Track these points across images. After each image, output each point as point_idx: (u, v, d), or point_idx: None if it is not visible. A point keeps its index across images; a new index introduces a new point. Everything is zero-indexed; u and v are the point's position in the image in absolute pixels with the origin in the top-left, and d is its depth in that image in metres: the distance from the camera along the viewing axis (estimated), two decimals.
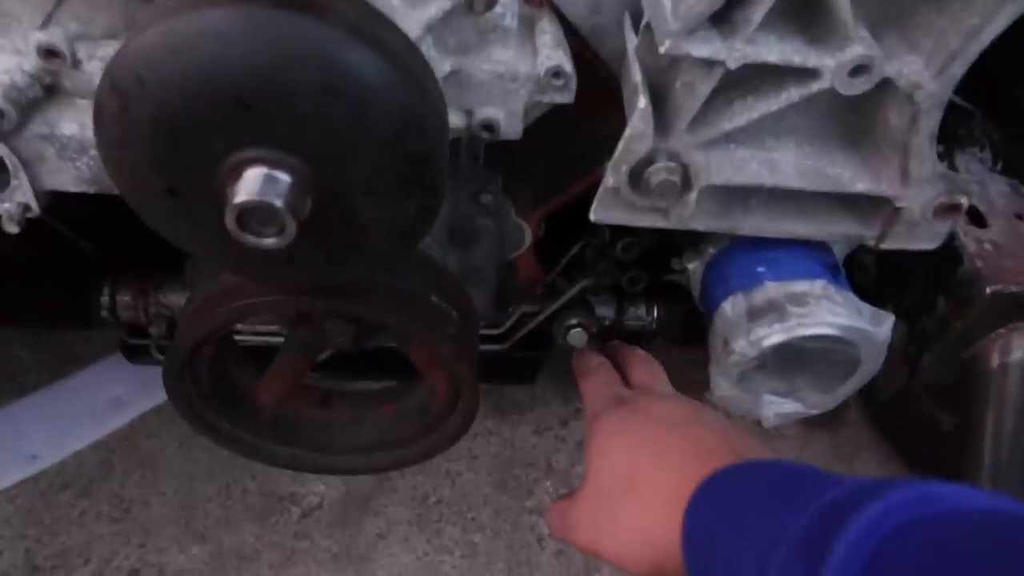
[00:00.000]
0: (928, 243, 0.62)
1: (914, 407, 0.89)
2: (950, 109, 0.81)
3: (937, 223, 0.60)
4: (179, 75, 0.41)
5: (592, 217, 0.63)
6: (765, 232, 0.62)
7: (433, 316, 0.63)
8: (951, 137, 0.79)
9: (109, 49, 0.56)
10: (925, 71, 0.52)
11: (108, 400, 1.34)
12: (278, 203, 0.43)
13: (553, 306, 0.99)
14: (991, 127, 0.79)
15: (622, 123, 0.62)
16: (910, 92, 0.53)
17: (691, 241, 0.76)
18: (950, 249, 0.68)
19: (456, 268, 0.80)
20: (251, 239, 0.44)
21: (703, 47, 0.51)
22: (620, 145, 0.56)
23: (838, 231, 0.62)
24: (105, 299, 0.98)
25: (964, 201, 0.58)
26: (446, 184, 0.69)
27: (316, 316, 0.69)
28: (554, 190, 0.81)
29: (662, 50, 0.51)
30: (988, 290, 0.65)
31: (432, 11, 0.53)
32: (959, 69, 0.51)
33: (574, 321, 1.01)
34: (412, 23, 0.53)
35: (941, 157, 0.78)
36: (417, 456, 0.77)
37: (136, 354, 1.04)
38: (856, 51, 0.51)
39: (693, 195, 0.58)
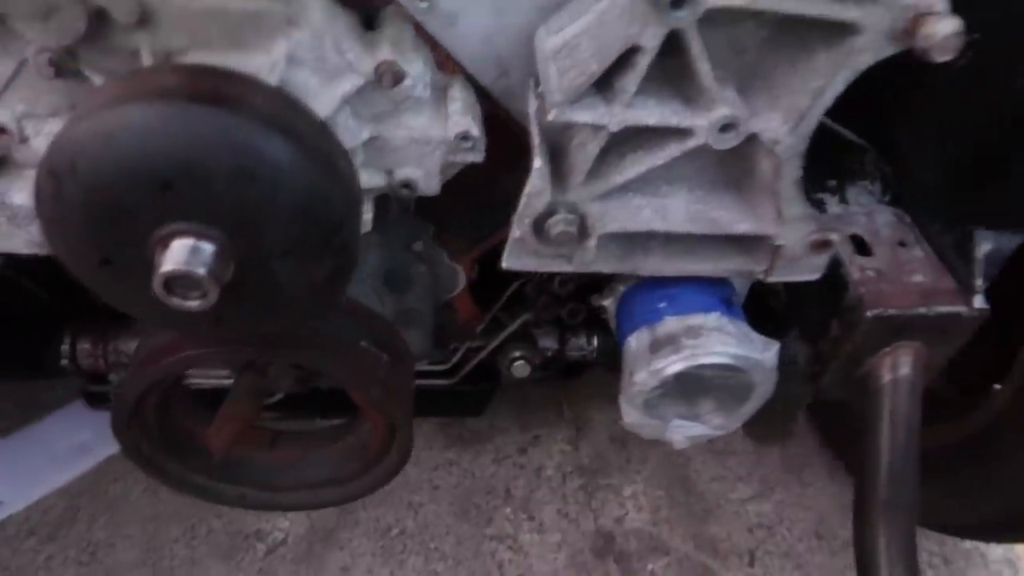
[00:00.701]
0: (809, 275, 0.68)
1: (850, 417, 0.95)
2: (845, 146, 0.89)
3: (814, 257, 0.66)
4: (107, 162, 0.46)
5: (504, 265, 0.68)
6: (664, 272, 0.68)
7: (363, 361, 0.68)
8: (844, 171, 0.87)
9: (54, 126, 0.61)
10: (783, 127, 0.59)
11: (73, 445, 1.37)
12: (201, 271, 0.48)
13: (496, 340, 1.04)
14: (882, 161, 0.87)
15: None
16: (771, 146, 0.59)
17: (609, 278, 0.82)
18: (837, 277, 0.75)
19: (393, 312, 0.86)
20: (177, 303, 0.49)
21: (586, 114, 0.58)
22: (522, 200, 0.63)
23: (730, 267, 0.69)
24: (66, 348, 1.01)
25: (834, 237, 0.64)
26: (372, 243, 0.75)
27: (259, 362, 0.73)
28: (483, 235, 0.87)
29: (550, 118, 0.58)
30: (869, 314, 0.71)
31: (346, 87, 0.59)
32: (810, 125, 0.58)
33: (517, 354, 1.07)
34: (328, 99, 0.59)
35: (834, 190, 0.85)
36: (359, 492, 0.81)
37: (97, 400, 1.08)
38: (722, 112, 0.58)
39: (592, 242, 0.64)
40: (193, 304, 0.49)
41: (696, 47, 0.54)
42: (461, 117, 0.65)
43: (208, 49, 0.55)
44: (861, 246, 0.78)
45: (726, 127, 0.58)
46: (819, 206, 0.82)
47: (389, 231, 0.79)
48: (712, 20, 0.54)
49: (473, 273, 0.91)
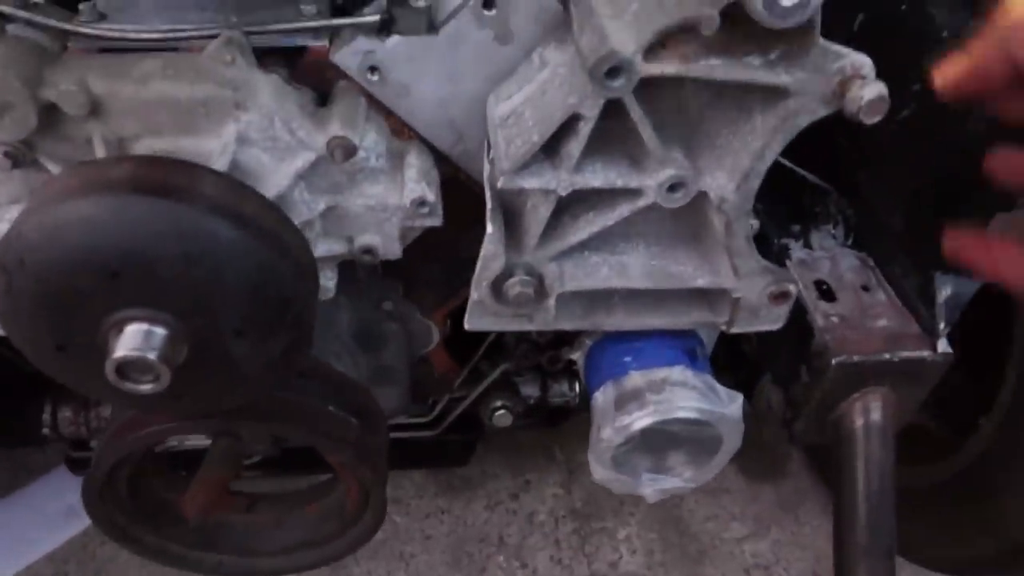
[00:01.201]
0: (771, 324, 0.68)
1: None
2: (809, 189, 0.90)
3: (774, 308, 0.67)
4: (54, 255, 0.47)
5: (466, 326, 0.69)
6: (626, 327, 0.69)
7: (332, 425, 0.68)
8: (808, 215, 0.87)
9: (14, 212, 0.62)
10: (728, 184, 0.60)
11: (61, 509, 1.36)
12: (152, 356, 0.49)
13: (477, 390, 1.04)
14: (845, 204, 0.88)
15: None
16: (719, 203, 0.60)
17: (577, 332, 0.83)
18: (803, 323, 0.75)
19: (367, 370, 0.86)
20: (130, 387, 0.50)
21: (534, 180, 0.59)
22: (479, 264, 0.63)
23: (692, 320, 0.69)
24: (47, 416, 1.02)
25: (791, 288, 0.65)
26: (337, 308, 0.76)
27: (230, 429, 0.74)
28: (454, 291, 0.88)
29: (499, 185, 0.59)
30: (834, 361, 0.71)
31: (299, 164, 0.61)
32: (753, 184, 0.59)
33: (499, 403, 1.07)
34: (280, 176, 0.61)
35: (798, 236, 0.86)
36: (337, 553, 0.81)
37: (80, 466, 1.08)
38: (668, 173, 0.59)
39: (551, 301, 0.65)
40: (146, 388, 0.50)
41: (636, 113, 0.55)
42: (416, 184, 0.66)
43: (159, 136, 0.57)
44: (825, 292, 0.78)
45: (674, 187, 0.59)
46: (784, 251, 0.83)
47: (357, 292, 0.80)
48: (652, 84, 0.55)
49: (446, 328, 0.91)
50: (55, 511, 1.36)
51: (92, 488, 0.68)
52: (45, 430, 1.02)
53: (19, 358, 0.98)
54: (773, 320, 0.68)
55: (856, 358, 0.72)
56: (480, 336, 1.01)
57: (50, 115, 0.55)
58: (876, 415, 0.75)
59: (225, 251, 0.49)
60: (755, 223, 0.82)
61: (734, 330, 0.69)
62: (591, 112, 0.55)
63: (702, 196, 0.61)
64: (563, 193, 0.59)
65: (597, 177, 0.59)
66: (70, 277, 0.48)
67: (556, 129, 0.56)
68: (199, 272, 0.49)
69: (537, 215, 0.62)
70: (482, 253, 0.63)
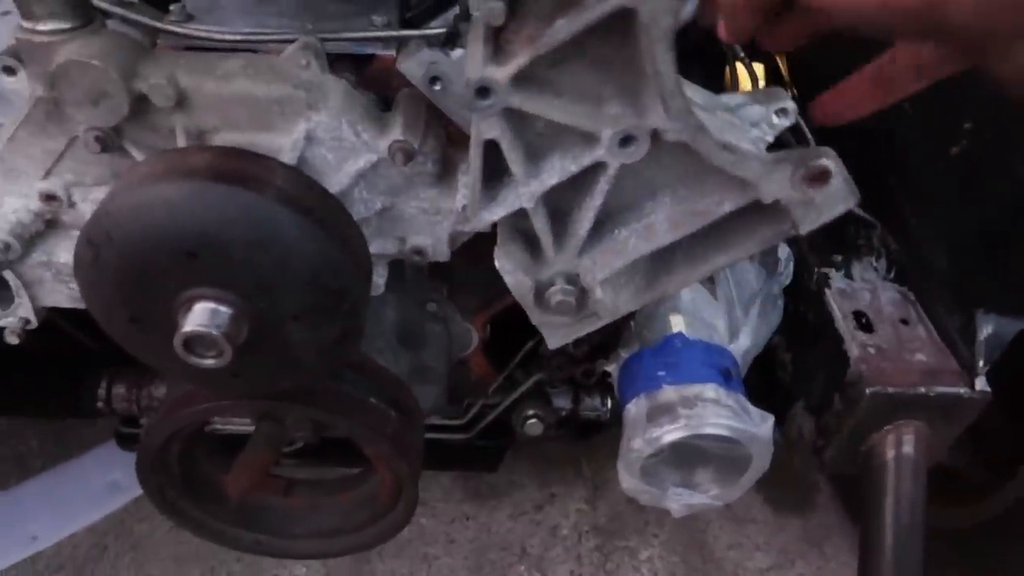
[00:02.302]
0: (842, 204, 0.60)
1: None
2: (852, 220, 0.91)
3: (823, 189, 0.58)
4: (139, 233, 0.51)
5: (550, 347, 0.69)
6: (692, 279, 0.65)
7: (373, 417, 0.71)
8: (850, 247, 0.88)
9: (98, 193, 0.67)
10: (663, 113, 0.54)
11: (106, 484, 1.42)
12: (216, 332, 0.52)
13: (510, 398, 1.07)
14: (888, 238, 0.88)
15: None
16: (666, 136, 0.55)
17: (615, 345, 0.85)
18: (839, 352, 0.76)
19: (407, 368, 0.89)
20: (195, 360, 0.54)
21: (501, 208, 0.59)
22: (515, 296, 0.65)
23: (757, 242, 0.63)
24: (102, 391, 1.07)
25: (825, 162, 0.57)
26: (383, 305, 0.79)
27: (277, 413, 0.77)
28: (495, 297, 0.91)
29: (478, 227, 0.61)
30: (868, 391, 0.72)
31: (361, 164, 0.64)
32: (673, 100, 0.53)
33: (531, 412, 1.09)
34: (343, 175, 0.64)
35: (839, 266, 0.87)
36: (368, 542, 0.83)
37: (129, 442, 1.13)
38: (613, 112, 0.54)
39: (598, 294, 0.65)
40: (209, 362, 0.54)
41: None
42: (469, 190, 0.69)
43: (236, 130, 0.61)
44: (864, 322, 0.79)
45: (625, 140, 0.56)
46: (824, 280, 0.84)
47: (404, 292, 0.83)
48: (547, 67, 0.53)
49: (486, 333, 0.94)
50: (99, 485, 1.42)
51: (146, 458, 0.72)
52: (100, 404, 1.08)
53: (80, 335, 1.04)
54: (837, 201, 0.59)
55: (891, 389, 0.72)
56: (518, 343, 1.03)
57: (139, 105, 0.59)
58: (908, 448, 0.75)
59: (291, 239, 0.53)
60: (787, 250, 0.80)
61: (804, 230, 0.61)
62: (497, 132, 0.55)
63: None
64: (529, 205, 0.59)
65: (554, 173, 0.58)
66: (151, 254, 0.52)
67: (481, 162, 0.57)
68: (266, 257, 0.52)
69: (537, 228, 0.62)
70: (509, 285, 0.65)
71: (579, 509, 1.47)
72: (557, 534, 1.43)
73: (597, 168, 0.57)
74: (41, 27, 0.58)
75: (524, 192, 0.58)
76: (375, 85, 0.71)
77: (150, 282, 0.53)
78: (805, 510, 1.49)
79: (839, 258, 0.86)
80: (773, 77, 1.06)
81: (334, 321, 0.57)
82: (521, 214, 0.61)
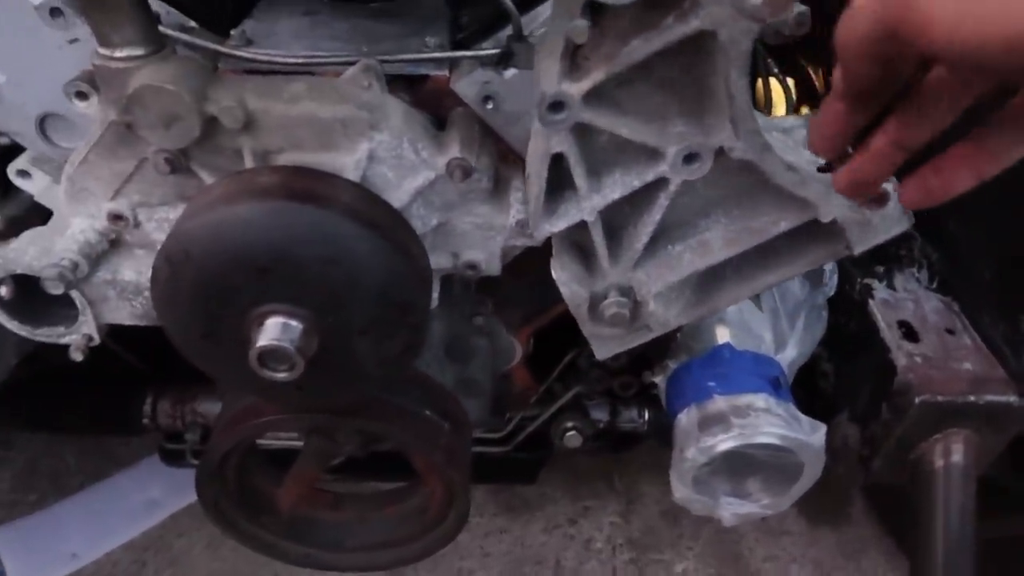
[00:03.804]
0: (897, 227, 0.62)
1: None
2: None
3: (881, 212, 0.60)
4: (216, 250, 0.53)
5: (598, 358, 0.70)
6: (742, 296, 0.66)
7: (427, 428, 0.73)
8: (892, 257, 0.89)
9: (163, 213, 0.69)
10: (732, 133, 0.55)
11: (144, 501, 1.44)
12: (290, 347, 0.54)
13: (549, 411, 1.08)
14: (929, 249, 0.89)
15: None
16: (737, 155, 0.57)
17: (661, 355, 0.85)
18: (885, 361, 0.76)
19: (453, 381, 0.91)
20: (268, 374, 0.55)
21: (562, 221, 0.61)
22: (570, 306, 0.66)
23: (808, 262, 0.65)
24: (147, 408, 1.09)
25: (889, 187, 0.57)
26: (436, 318, 0.81)
27: (328, 427, 0.79)
28: (539, 311, 0.92)
29: (537, 238, 0.62)
30: (918, 400, 0.72)
31: (420, 181, 0.66)
32: (744, 121, 0.55)
33: (569, 424, 1.10)
34: (403, 192, 0.66)
35: (881, 277, 0.88)
36: (416, 555, 0.84)
37: (173, 458, 1.15)
38: (678, 131, 0.56)
39: (651, 307, 0.66)
40: (281, 376, 0.55)
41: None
42: (522, 206, 0.70)
43: (301, 150, 0.63)
44: (909, 332, 0.80)
45: (689, 158, 0.57)
46: (867, 291, 0.85)
47: (452, 306, 0.85)
48: (617, 85, 0.55)
49: (529, 346, 0.95)
50: (137, 502, 1.43)
51: (205, 471, 0.73)
52: (145, 420, 1.10)
53: (128, 353, 1.06)
54: (892, 223, 0.61)
55: (940, 398, 0.73)
56: (557, 356, 1.04)
57: (208, 127, 0.61)
58: (957, 457, 0.75)
59: (361, 255, 0.54)
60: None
61: (858, 250, 0.62)
62: (565, 146, 0.56)
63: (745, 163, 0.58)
64: (590, 219, 0.60)
65: (616, 188, 0.59)
66: (227, 271, 0.54)
67: (548, 174, 0.58)
68: (337, 272, 0.54)
69: (594, 242, 0.63)
70: (564, 296, 0.66)
71: (612, 522, 1.47)
72: (591, 547, 1.43)
73: (658, 184, 0.59)
74: (117, 54, 0.60)
75: (586, 206, 0.59)
76: (429, 105, 0.73)
77: (224, 298, 0.55)
78: (840, 522, 1.48)
79: (881, 269, 0.86)
80: (807, 93, 1.07)
81: (398, 334, 0.59)
82: (578, 227, 0.63)
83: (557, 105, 0.53)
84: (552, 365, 1.05)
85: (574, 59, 0.53)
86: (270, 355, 0.55)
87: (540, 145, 0.57)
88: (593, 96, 0.53)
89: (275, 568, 1.30)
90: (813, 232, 0.63)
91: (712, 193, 0.62)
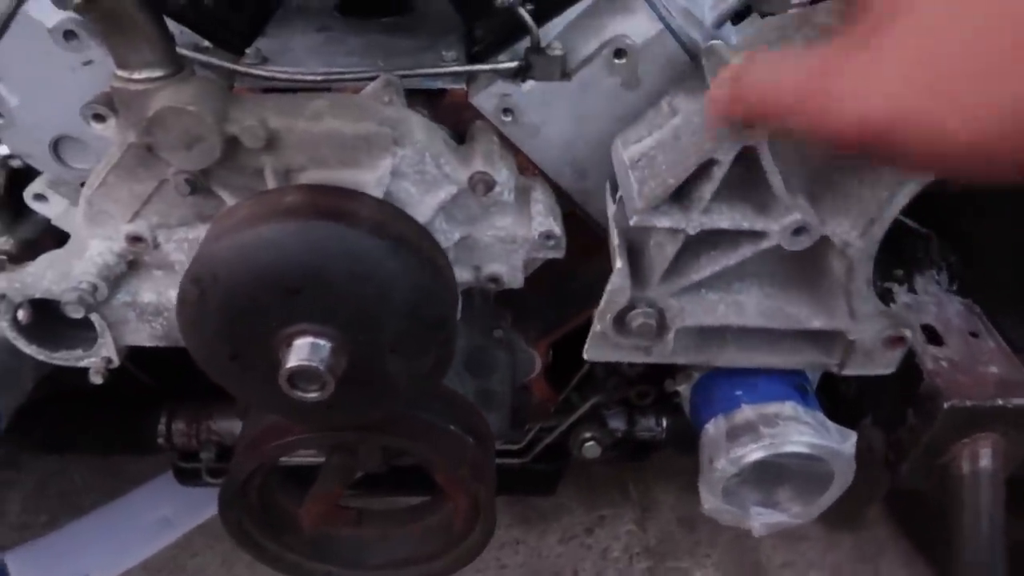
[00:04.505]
0: (884, 368, 0.70)
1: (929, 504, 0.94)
2: (909, 234, 0.92)
3: (888, 352, 0.68)
4: (244, 272, 0.53)
5: (585, 356, 0.72)
6: (738, 363, 0.71)
7: (452, 444, 0.72)
8: (911, 260, 0.89)
9: (182, 233, 0.69)
10: (852, 231, 0.62)
11: (157, 520, 1.43)
12: (320, 367, 0.53)
13: (567, 421, 1.07)
14: (948, 250, 0.89)
15: (610, 267, 0.72)
16: (843, 248, 0.63)
17: (682, 365, 0.85)
18: (911, 366, 0.76)
19: (473, 394, 0.90)
20: (298, 395, 0.55)
21: (665, 219, 0.62)
22: (604, 297, 0.67)
23: (803, 361, 0.71)
24: (162, 427, 1.08)
25: (908, 333, 0.66)
26: (458, 332, 0.80)
27: (351, 443, 0.78)
28: (557, 324, 0.92)
29: (631, 223, 0.62)
30: (946, 405, 0.72)
31: (442, 196, 0.66)
32: (879, 231, 0.61)
33: (588, 434, 1.09)
34: (426, 207, 0.66)
35: (901, 280, 0.87)
36: (440, 571, 0.84)
37: (187, 477, 1.14)
38: (794, 218, 0.61)
39: (670, 336, 0.68)
40: (312, 396, 0.55)
41: (767, 161, 0.59)
42: (544, 218, 0.70)
43: (323, 167, 0.62)
44: (933, 336, 0.79)
45: (798, 231, 0.62)
46: (887, 295, 0.85)
47: (472, 319, 0.84)
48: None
49: (548, 358, 0.95)
50: (151, 521, 1.42)
51: (229, 491, 0.73)
52: (160, 440, 1.09)
53: (142, 373, 1.06)
54: (886, 364, 0.69)
55: (968, 403, 0.72)
56: (574, 366, 1.04)
57: (229, 147, 0.61)
58: (986, 461, 0.75)
59: (391, 272, 0.54)
60: None
61: (846, 372, 0.70)
62: (726, 158, 0.58)
63: (824, 240, 0.64)
64: (692, 232, 0.62)
65: (724, 219, 0.62)
66: (256, 292, 0.53)
67: (691, 173, 0.60)
68: (367, 291, 0.54)
69: (662, 253, 0.65)
70: (609, 287, 0.66)
71: (629, 531, 1.46)
72: (608, 557, 1.42)
73: (756, 236, 0.63)
74: (136, 76, 0.60)
75: (695, 220, 0.62)
76: (447, 119, 0.72)
77: (253, 319, 0.55)
78: (857, 527, 1.47)
79: (900, 272, 0.86)
80: None
81: (429, 351, 0.58)
82: (654, 234, 0.65)
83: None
84: (568, 375, 1.04)
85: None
86: (300, 375, 0.54)
87: (699, 144, 0.59)
88: None
89: None
90: (818, 339, 0.70)
91: (759, 262, 0.67)
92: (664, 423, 1.11)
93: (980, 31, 0.33)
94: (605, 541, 1.44)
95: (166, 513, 1.44)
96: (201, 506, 1.43)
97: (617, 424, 1.10)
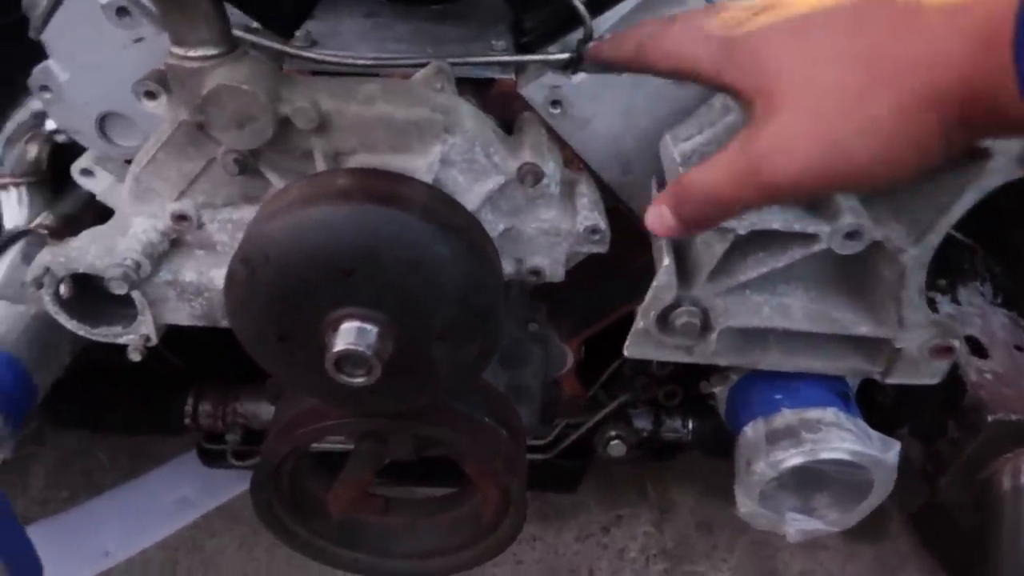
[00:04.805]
0: (929, 379, 0.68)
1: (952, 517, 0.92)
2: (954, 245, 0.90)
3: (934, 362, 0.67)
4: (296, 252, 0.52)
5: (626, 353, 0.71)
6: (781, 367, 0.70)
7: (487, 436, 0.71)
8: (955, 271, 0.87)
9: (226, 214, 0.69)
10: (907, 237, 0.61)
11: (176, 500, 1.44)
12: (368, 352, 0.53)
13: (594, 419, 1.07)
14: (992, 262, 0.87)
15: (649, 263, 0.72)
16: (896, 254, 0.62)
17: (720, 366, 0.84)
18: (954, 377, 0.75)
19: (505, 387, 0.89)
20: (344, 379, 0.54)
21: None
22: (649, 294, 0.66)
23: (846, 367, 0.70)
24: (189, 408, 1.09)
25: (956, 344, 0.65)
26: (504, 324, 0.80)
27: (382, 431, 0.78)
28: (592, 319, 0.91)
29: None
30: (990, 418, 0.71)
31: (490, 186, 0.65)
32: (935, 238, 0.60)
33: (613, 433, 1.08)
34: (473, 196, 0.65)
35: (945, 290, 0.86)
36: (467, 563, 0.83)
37: (212, 458, 1.15)
38: (847, 221, 0.60)
39: (713, 336, 0.67)
40: (358, 380, 0.54)
41: None
42: (590, 212, 0.70)
43: (373, 152, 0.62)
44: (977, 347, 0.78)
45: (851, 234, 0.61)
46: (930, 305, 0.83)
47: (508, 312, 0.83)
48: None
49: (580, 354, 0.94)
50: (171, 501, 1.43)
51: (262, 475, 0.73)
52: (186, 420, 1.09)
53: (171, 354, 1.06)
54: (932, 374, 0.68)
55: (1014, 417, 0.71)
56: (602, 364, 1.03)
57: (281, 128, 0.61)
58: None
59: (442, 259, 0.54)
60: None
61: (889, 381, 0.69)
62: None
63: (876, 246, 0.63)
64: (743, 232, 0.62)
65: (776, 220, 0.62)
66: (307, 273, 0.53)
67: None
68: (418, 277, 0.53)
69: (710, 252, 0.64)
70: (655, 283, 0.66)
71: (646, 532, 1.45)
72: (624, 557, 1.41)
73: (807, 238, 0.62)
74: (192, 53, 0.59)
75: (745, 219, 0.61)
76: (495, 108, 0.72)
77: (302, 301, 0.54)
78: (877, 537, 1.46)
79: (944, 282, 0.85)
80: None
81: (474, 341, 0.58)
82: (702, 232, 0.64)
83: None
84: (597, 372, 1.04)
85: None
86: (348, 360, 0.54)
87: None
88: None
89: (308, 570, 1.30)
90: (863, 345, 0.69)
91: (805, 265, 0.66)
92: (691, 424, 1.11)
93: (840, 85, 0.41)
94: (622, 541, 1.43)
95: (186, 493, 1.44)
96: (221, 487, 1.44)
97: (643, 423, 1.10)
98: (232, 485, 1.43)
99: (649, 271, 0.70)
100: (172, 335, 0.78)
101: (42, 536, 1.31)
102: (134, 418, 1.15)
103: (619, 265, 0.82)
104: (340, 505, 0.83)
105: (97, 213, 0.89)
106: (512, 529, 0.78)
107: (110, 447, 1.52)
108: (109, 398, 1.12)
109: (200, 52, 0.60)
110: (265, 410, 1.05)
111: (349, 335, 0.54)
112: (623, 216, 0.78)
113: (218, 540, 1.39)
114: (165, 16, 0.58)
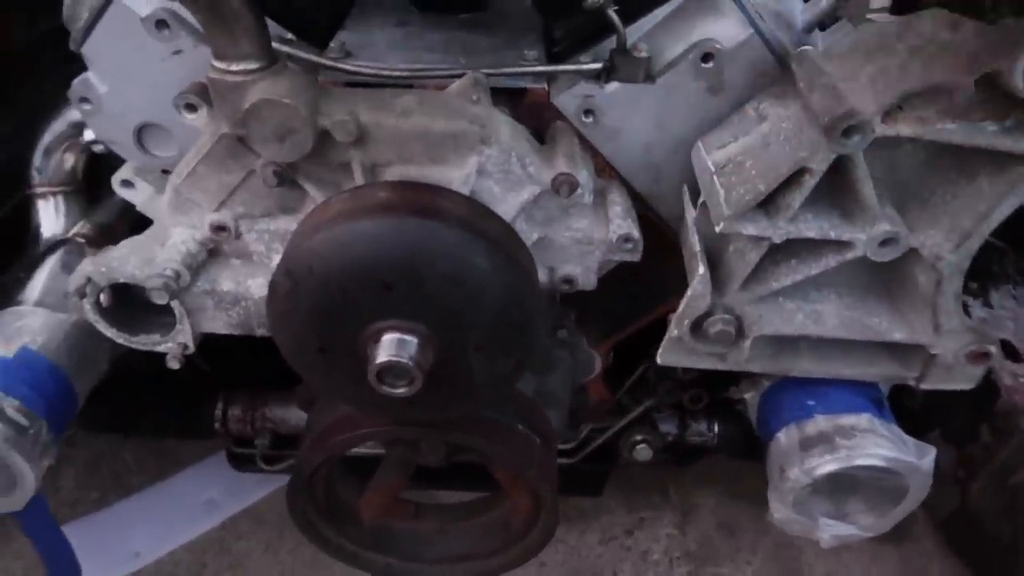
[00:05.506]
0: (964, 384, 0.68)
1: (983, 523, 0.92)
2: (985, 247, 0.90)
3: (969, 367, 0.67)
4: (339, 265, 0.53)
5: (659, 361, 0.71)
6: (813, 373, 0.70)
7: (522, 444, 0.72)
8: (986, 274, 0.87)
9: (264, 224, 0.70)
10: (945, 243, 0.61)
11: (204, 502, 1.45)
12: (409, 363, 0.54)
13: (620, 423, 1.07)
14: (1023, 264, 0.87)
15: (678, 270, 0.72)
16: (933, 261, 0.62)
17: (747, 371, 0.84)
18: (987, 381, 0.74)
19: (534, 392, 0.90)
20: (387, 390, 0.55)
21: (751, 226, 0.62)
22: (683, 302, 0.66)
23: (880, 372, 0.70)
24: (219, 412, 1.10)
25: (992, 349, 0.65)
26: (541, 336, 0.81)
27: (415, 438, 0.79)
28: (620, 325, 0.91)
29: (718, 230, 0.62)
30: None
31: (525, 196, 0.66)
32: (974, 244, 0.60)
33: (639, 437, 1.09)
34: (509, 206, 0.66)
35: (976, 294, 0.85)
36: (497, 568, 0.84)
37: (241, 462, 1.16)
38: (883, 228, 0.61)
39: (747, 343, 0.67)
40: (400, 391, 0.55)
41: (862, 170, 0.58)
42: (623, 221, 0.70)
43: (409, 164, 0.63)
44: (1011, 351, 0.78)
45: (887, 242, 0.61)
46: (964, 309, 0.83)
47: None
48: (874, 143, 0.57)
49: (608, 360, 0.95)
50: (199, 503, 1.44)
51: (297, 480, 0.74)
52: (216, 425, 1.10)
53: (202, 361, 1.07)
54: (967, 379, 0.68)
55: None
56: (628, 369, 1.04)
57: (320, 141, 0.61)
58: None
59: (483, 272, 0.54)
60: None
61: (924, 386, 0.69)
62: (820, 166, 0.57)
63: (912, 253, 0.63)
64: (778, 241, 0.62)
65: (811, 228, 0.62)
66: (350, 285, 0.54)
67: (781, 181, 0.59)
68: (460, 290, 0.54)
69: (744, 259, 0.64)
70: (689, 292, 0.66)
71: (669, 534, 1.45)
72: (648, 559, 1.42)
73: (842, 247, 0.62)
74: (233, 67, 0.60)
75: (781, 228, 0.62)
76: (527, 118, 0.72)
77: (344, 313, 0.55)
78: (901, 539, 1.45)
79: (975, 285, 0.84)
80: None
81: (512, 352, 0.59)
82: (735, 240, 0.65)
83: (854, 130, 0.55)
84: (622, 377, 1.04)
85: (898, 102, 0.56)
86: (390, 371, 0.55)
87: (791, 152, 0.59)
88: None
89: (334, 572, 1.31)
90: (896, 351, 0.69)
91: (838, 272, 0.66)
92: (716, 428, 1.11)
93: None
94: (645, 543, 1.44)
95: (213, 495, 1.46)
96: (246, 490, 1.45)
97: (668, 428, 1.10)
98: (257, 488, 1.44)
99: (677, 277, 0.71)
100: (201, 341, 0.79)
101: (73, 537, 1.33)
102: (165, 422, 1.17)
103: (647, 271, 0.82)
104: (372, 510, 0.84)
105: (130, 222, 0.90)
106: (543, 535, 0.79)
107: (138, 450, 1.54)
108: (140, 403, 1.14)
109: (242, 66, 0.61)
110: (294, 415, 1.06)
111: (391, 346, 0.55)
112: (651, 223, 0.78)
113: (245, 543, 1.40)
114: (208, 31, 0.59)
